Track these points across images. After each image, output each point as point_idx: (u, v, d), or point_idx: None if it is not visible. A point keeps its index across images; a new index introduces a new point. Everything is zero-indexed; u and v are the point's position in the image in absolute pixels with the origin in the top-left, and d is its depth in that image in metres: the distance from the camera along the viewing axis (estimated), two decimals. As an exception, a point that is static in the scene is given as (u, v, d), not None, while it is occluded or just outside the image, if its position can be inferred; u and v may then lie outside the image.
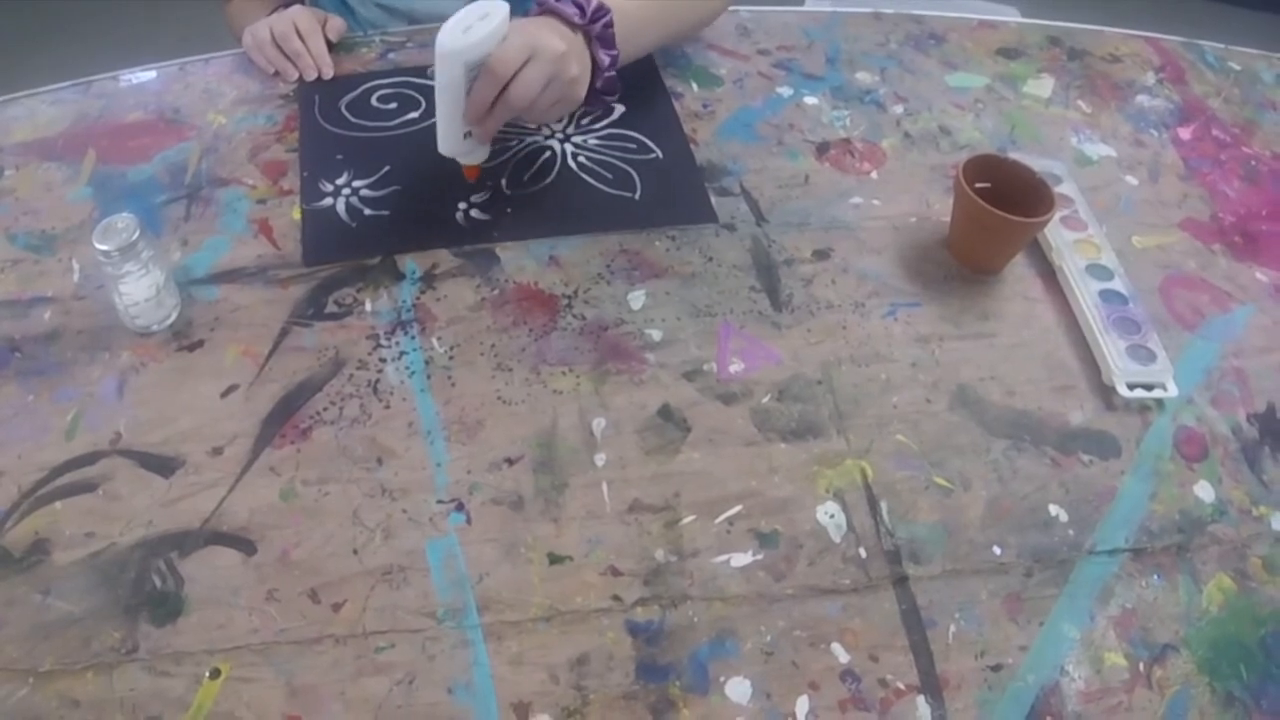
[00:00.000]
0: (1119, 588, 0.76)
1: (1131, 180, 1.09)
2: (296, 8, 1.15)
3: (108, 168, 1.01)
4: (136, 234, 0.80)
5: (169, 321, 0.87)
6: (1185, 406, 0.88)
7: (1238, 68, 1.31)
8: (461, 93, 0.87)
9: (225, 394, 0.82)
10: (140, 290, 0.83)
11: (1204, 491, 0.83)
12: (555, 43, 0.86)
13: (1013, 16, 1.66)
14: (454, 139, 0.91)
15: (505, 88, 0.86)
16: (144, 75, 1.13)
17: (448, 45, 0.84)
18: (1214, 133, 1.18)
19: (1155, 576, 0.77)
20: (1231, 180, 1.12)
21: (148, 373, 0.84)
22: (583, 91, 0.92)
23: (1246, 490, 0.83)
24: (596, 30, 0.92)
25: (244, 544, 0.74)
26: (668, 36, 1.11)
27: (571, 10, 0.90)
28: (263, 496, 0.76)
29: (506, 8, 0.87)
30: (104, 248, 0.80)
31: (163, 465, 0.78)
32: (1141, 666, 0.72)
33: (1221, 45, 1.34)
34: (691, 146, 1.06)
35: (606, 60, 0.94)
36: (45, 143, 1.04)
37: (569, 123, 1.07)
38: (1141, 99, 1.21)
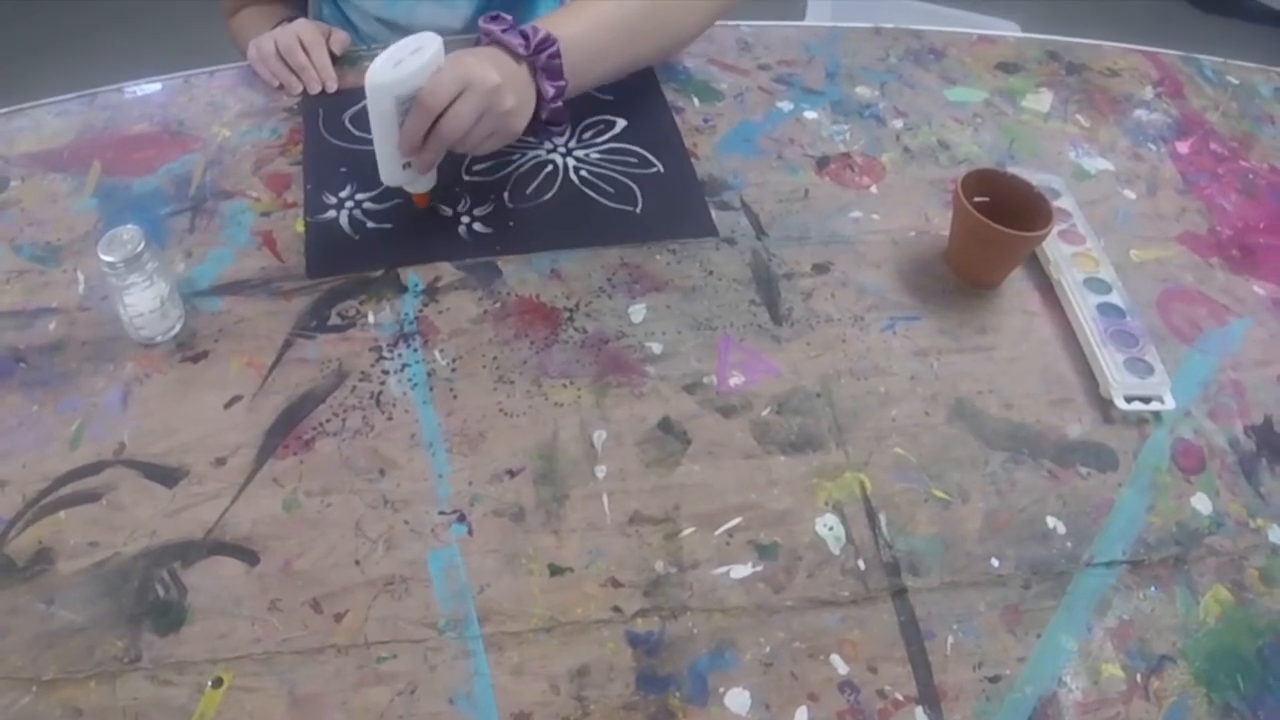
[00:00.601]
0: (1116, 599, 0.76)
1: (1129, 194, 1.10)
2: (301, 21, 1.16)
3: (113, 179, 1.02)
4: (141, 246, 0.81)
5: (173, 333, 0.88)
6: (1182, 419, 0.89)
7: (1235, 81, 1.31)
8: (395, 126, 0.88)
9: (229, 405, 0.83)
10: (145, 302, 0.84)
11: (1201, 504, 0.83)
12: (490, 75, 0.86)
13: (1013, 31, 1.67)
14: (393, 170, 0.92)
15: (437, 120, 0.86)
16: (149, 87, 1.14)
17: (376, 80, 0.84)
18: (1212, 146, 1.19)
19: (1152, 588, 0.77)
20: (1229, 194, 1.13)
21: (152, 384, 0.84)
22: (520, 123, 0.91)
23: (1244, 502, 0.84)
24: (541, 61, 0.92)
25: (247, 554, 0.74)
26: (634, 61, 1.06)
27: (516, 41, 0.90)
28: (265, 507, 0.77)
29: (439, 41, 0.87)
30: (109, 259, 0.80)
31: (166, 475, 0.78)
32: (1139, 678, 0.72)
33: (1220, 59, 1.35)
34: (692, 161, 1.07)
35: (551, 91, 0.93)
36: (51, 154, 1.04)
37: (571, 136, 1.07)
38: (1140, 113, 1.22)
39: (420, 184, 0.96)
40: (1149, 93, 1.26)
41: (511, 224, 0.98)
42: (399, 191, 0.98)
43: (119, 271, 0.81)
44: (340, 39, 1.15)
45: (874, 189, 1.07)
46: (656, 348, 0.89)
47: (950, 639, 0.73)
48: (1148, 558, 0.79)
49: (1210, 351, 0.95)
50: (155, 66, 1.21)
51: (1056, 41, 1.32)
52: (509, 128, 0.90)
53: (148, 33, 2.75)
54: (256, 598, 0.72)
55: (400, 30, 1.26)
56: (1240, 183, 1.15)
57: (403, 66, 0.85)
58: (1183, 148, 1.18)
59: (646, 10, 1.02)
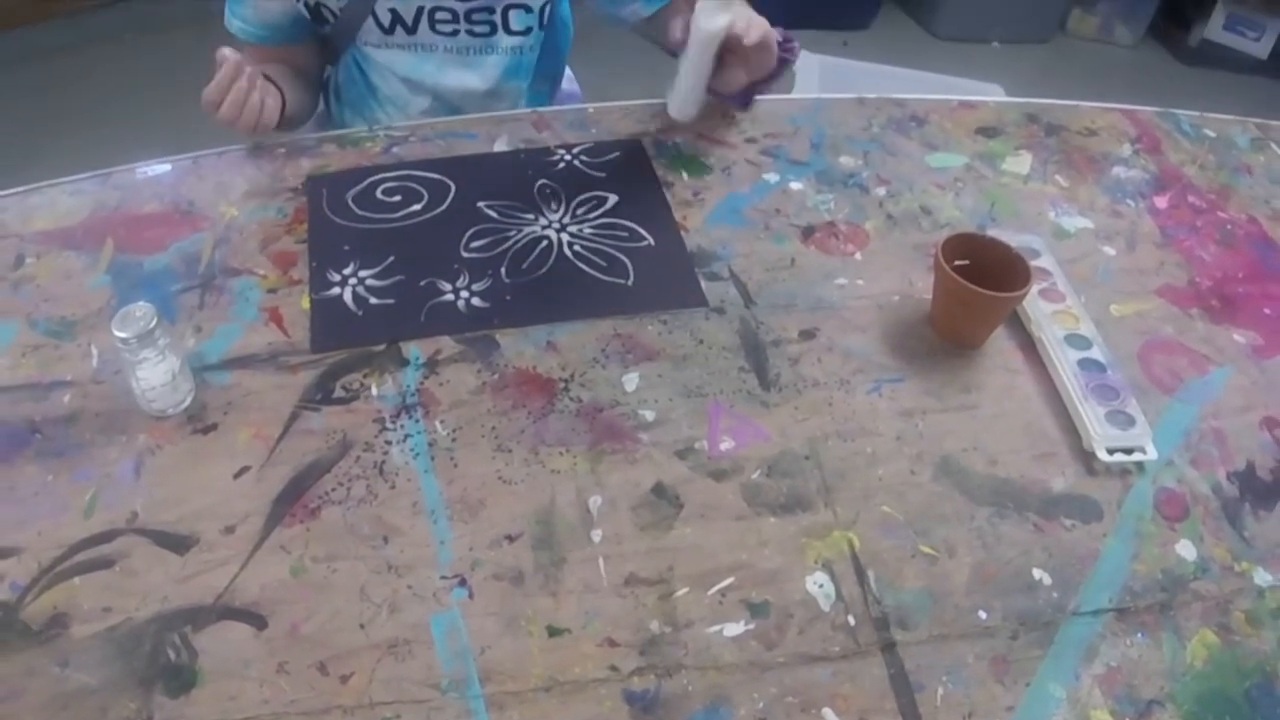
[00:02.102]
0: (1104, 647, 0.78)
1: (1109, 250, 1.13)
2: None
3: (125, 257, 1.04)
4: (154, 322, 0.83)
5: (184, 405, 0.90)
6: (1165, 468, 0.91)
7: (1213, 134, 1.34)
8: (709, 65, 1.09)
9: (238, 475, 0.85)
10: (156, 376, 0.86)
11: (1186, 550, 0.85)
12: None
13: (997, 95, 1.72)
14: (689, 103, 1.14)
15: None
16: (159, 168, 1.16)
17: (714, 26, 1.05)
18: (1190, 199, 1.22)
19: (1139, 635, 0.79)
20: (1208, 245, 1.15)
21: (163, 454, 0.86)
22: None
23: (1228, 547, 0.86)
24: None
25: (255, 618, 0.76)
26: None
27: None
28: (273, 573, 0.79)
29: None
30: (122, 335, 0.83)
31: (178, 543, 0.80)
32: (1128, 723, 0.74)
33: (1197, 113, 1.38)
34: (682, 233, 1.09)
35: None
36: (65, 232, 1.07)
37: (565, 213, 1.10)
38: (1118, 170, 1.25)
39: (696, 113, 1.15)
40: (1127, 150, 1.29)
41: (508, 298, 1.01)
42: (401, 268, 1.01)
43: (131, 347, 0.83)
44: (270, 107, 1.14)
45: (858, 255, 1.09)
46: (649, 415, 0.91)
47: (940, 690, 0.75)
48: (1134, 605, 0.81)
49: (1191, 401, 0.97)
50: (165, 142, 1.24)
51: (1035, 104, 1.36)
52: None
53: (158, 109, 2.79)
54: (265, 660, 0.74)
55: (425, 90, 1.30)
56: (1219, 234, 1.17)
57: (718, 20, 1.04)
58: (1161, 202, 1.21)
59: None
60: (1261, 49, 3.43)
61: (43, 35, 3.00)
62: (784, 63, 1.18)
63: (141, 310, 0.84)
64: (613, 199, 1.13)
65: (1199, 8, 3.50)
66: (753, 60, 1.11)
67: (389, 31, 1.24)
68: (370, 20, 1.23)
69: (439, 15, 1.22)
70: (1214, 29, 3.49)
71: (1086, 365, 0.96)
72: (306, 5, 1.21)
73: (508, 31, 1.26)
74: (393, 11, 1.21)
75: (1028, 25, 3.52)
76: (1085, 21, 3.60)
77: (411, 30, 1.24)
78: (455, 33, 1.25)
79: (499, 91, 1.32)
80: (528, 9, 1.25)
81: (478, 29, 1.25)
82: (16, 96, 2.85)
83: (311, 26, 1.25)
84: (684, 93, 1.12)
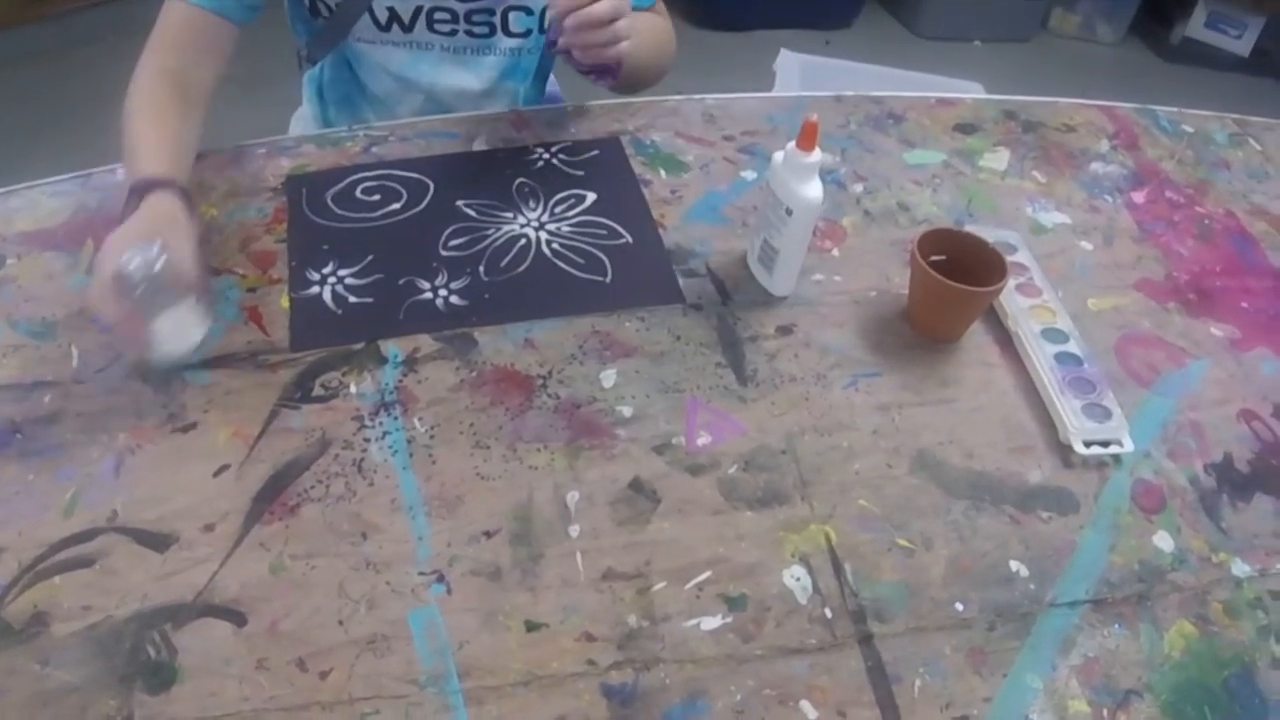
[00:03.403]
0: (1081, 638, 0.79)
1: (1086, 245, 1.14)
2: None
3: None
4: (162, 261, 0.84)
5: (195, 346, 0.91)
6: (1142, 460, 0.92)
7: (1191, 130, 1.36)
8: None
9: (217, 473, 0.85)
10: (166, 319, 0.87)
11: (1163, 541, 0.86)
12: None
13: (977, 92, 1.73)
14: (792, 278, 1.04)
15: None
16: None
17: (811, 201, 0.96)
18: (1167, 194, 1.23)
19: (1116, 625, 0.80)
20: (1185, 239, 1.16)
21: (143, 454, 0.86)
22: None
23: (1206, 538, 0.87)
24: None
25: (235, 616, 0.76)
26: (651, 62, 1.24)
27: None
28: (253, 570, 0.79)
29: None
30: (131, 269, 0.83)
31: (157, 541, 0.80)
32: (1105, 713, 0.75)
33: (1175, 109, 1.39)
34: (660, 231, 1.10)
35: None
36: (46, 233, 1.06)
37: (543, 211, 1.11)
38: (1096, 166, 1.26)
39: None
40: (1104, 146, 1.30)
41: (487, 296, 1.01)
42: (380, 267, 1.02)
43: (141, 288, 0.83)
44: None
45: (835, 252, 1.10)
46: (627, 411, 0.92)
47: (917, 682, 0.75)
48: (1111, 596, 0.82)
49: (1168, 394, 0.98)
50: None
51: (1013, 101, 1.37)
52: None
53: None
54: (244, 658, 0.74)
55: (418, 89, 1.29)
56: (1196, 228, 1.18)
57: (817, 187, 0.96)
58: (1139, 197, 1.22)
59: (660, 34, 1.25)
60: (1243, 46, 3.45)
61: (26, 38, 2.99)
62: (605, 71, 1.12)
63: (150, 252, 0.84)
64: (591, 197, 1.13)
65: (1181, 5, 3.52)
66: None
67: (384, 29, 1.23)
68: (366, 17, 1.22)
69: (438, 15, 1.22)
70: (1195, 27, 3.50)
71: (1063, 359, 0.97)
72: None
73: (507, 33, 1.26)
74: (390, 9, 1.21)
75: (1009, 24, 3.53)
76: (1067, 20, 3.63)
77: (408, 29, 1.23)
78: (454, 33, 1.24)
79: (495, 92, 1.32)
80: (528, 11, 1.24)
81: (477, 30, 1.25)
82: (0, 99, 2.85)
83: (261, 14, 1.17)
84: (791, 270, 1.02)
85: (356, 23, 1.22)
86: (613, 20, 1.01)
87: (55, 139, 2.67)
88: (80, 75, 2.96)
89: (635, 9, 1.14)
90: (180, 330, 0.89)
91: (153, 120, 1.05)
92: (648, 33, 1.21)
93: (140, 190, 0.94)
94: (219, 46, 1.14)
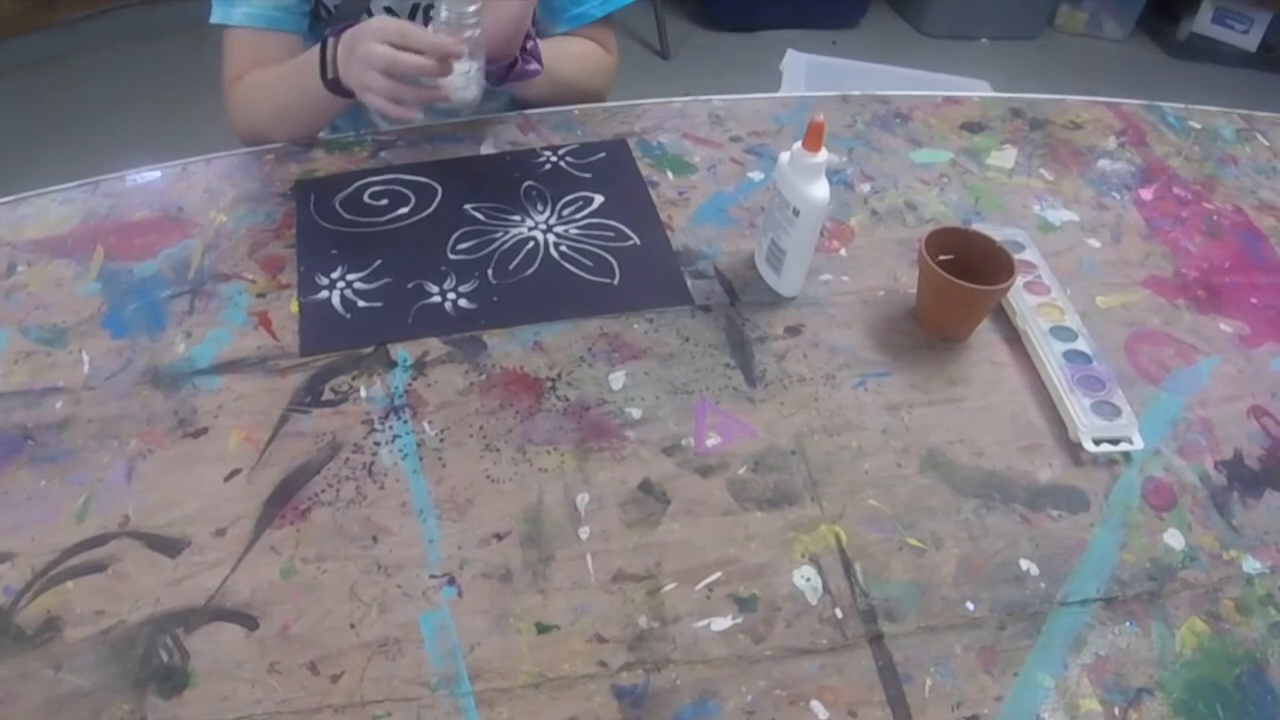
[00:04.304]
0: (1092, 636, 0.79)
1: (1094, 243, 1.13)
2: (373, 22, 1.03)
3: (115, 264, 1.04)
4: (476, 4, 0.97)
5: (476, 101, 1.05)
6: (1152, 458, 0.91)
7: (1198, 126, 1.35)
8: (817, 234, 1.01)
9: (228, 478, 0.85)
10: (460, 67, 1.00)
11: (1174, 539, 0.86)
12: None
13: (984, 90, 1.72)
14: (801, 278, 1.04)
15: None
16: (149, 175, 1.16)
17: (820, 201, 0.96)
18: (1175, 191, 1.23)
19: (1128, 623, 0.80)
20: (1193, 236, 1.16)
21: (154, 459, 0.87)
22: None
23: (1217, 535, 0.86)
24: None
25: (247, 619, 0.76)
26: (571, 84, 1.28)
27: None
28: (264, 574, 0.79)
29: None
30: (466, 9, 0.97)
31: (169, 546, 0.81)
32: (1117, 711, 0.75)
33: (1182, 105, 1.39)
34: (668, 233, 1.10)
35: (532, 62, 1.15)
36: (56, 240, 1.07)
37: (551, 214, 1.11)
38: (1103, 163, 1.26)
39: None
40: (1112, 143, 1.30)
41: (495, 299, 1.01)
42: (389, 271, 1.02)
43: (464, 23, 0.98)
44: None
45: (843, 252, 1.10)
46: (636, 413, 0.92)
47: (928, 681, 0.75)
48: (1122, 594, 0.82)
49: (1178, 391, 0.98)
50: (157, 149, 1.23)
51: (1020, 99, 1.36)
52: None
53: (149, 116, 2.80)
54: (256, 661, 0.74)
55: (438, 114, 1.29)
56: (1204, 224, 1.18)
57: (823, 188, 0.96)
58: (1146, 194, 1.22)
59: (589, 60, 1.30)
60: (1250, 41, 3.45)
61: (34, 44, 3.00)
62: (524, 71, 1.15)
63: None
64: (599, 199, 1.13)
65: (1187, 1, 3.51)
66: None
67: None
68: (365, 17, 1.21)
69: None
70: (1202, 22, 3.50)
71: (1072, 357, 0.97)
72: None
73: None
74: (387, 9, 1.21)
75: (1016, 22, 3.53)
76: (1074, 17, 3.62)
77: None
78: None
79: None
80: None
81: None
82: (8, 105, 2.86)
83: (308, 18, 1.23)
84: (799, 270, 1.02)
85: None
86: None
87: (64, 144, 2.68)
88: (89, 81, 2.98)
89: (570, 29, 1.30)
90: (472, 81, 1.01)
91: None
92: (578, 56, 1.29)
93: (337, 31, 1.08)
94: (287, 56, 1.19)
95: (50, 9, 3.00)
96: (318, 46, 1.09)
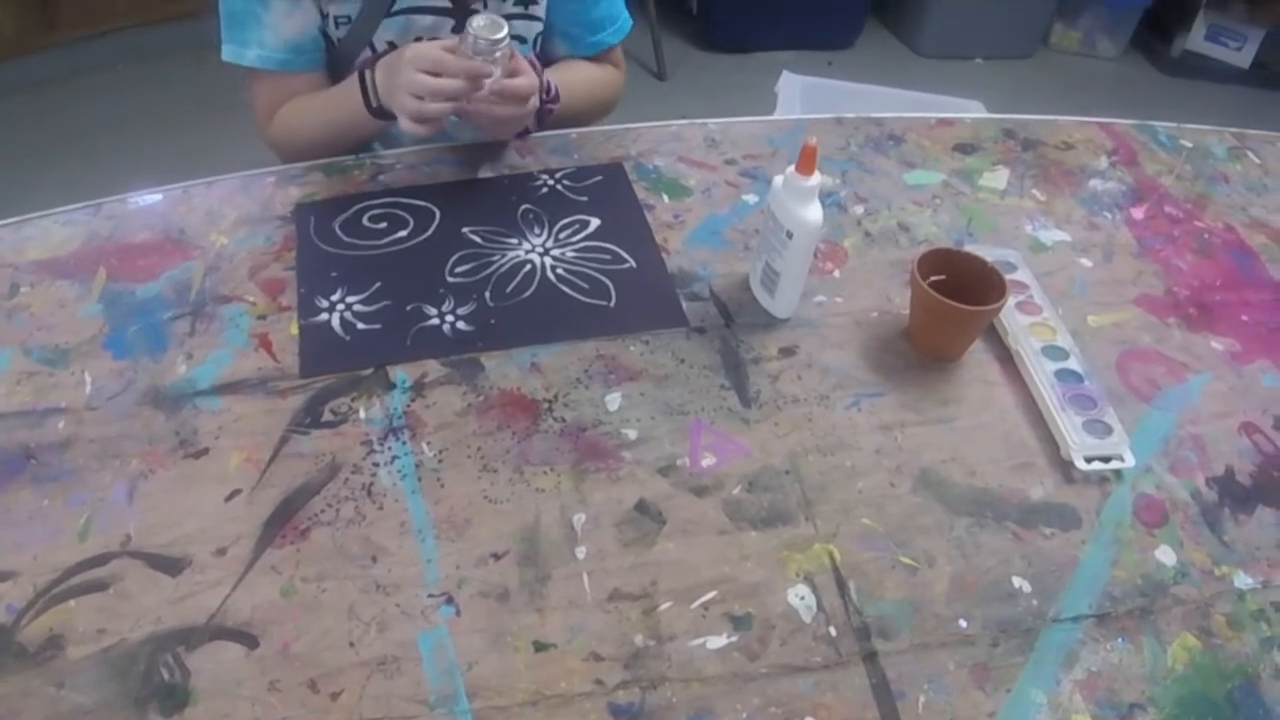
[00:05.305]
0: (1084, 652, 0.79)
1: (1086, 262, 1.14)
2: (415, 48, 1.10)
3: (117, 285, 1.05)
4: (504, 31, 1.04)
5: None
6: (1144, 475, 0.92)
7: (1189, 144, 1.37)
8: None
9: (229, 498, 0.86)
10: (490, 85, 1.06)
11: (1165, 555, 0.86)
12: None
13: (978, 111, 1.74)
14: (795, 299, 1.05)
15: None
16: (151, 198, 1.17)
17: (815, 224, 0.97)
18: (1166, 209, 1.24)
19: (1120, 639, 0.80)
20: (1185, 254, 1.17)
21: (156, 479, 0.87)
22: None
23: (1208, 551, 0.87)
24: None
25: (247, 638, 0.77)
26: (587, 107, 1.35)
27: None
28: (264, 593, 0.80)
29: None
30: (495, 37, 1.04)
31: (170, 565, 0.81)
32: (1109, 727, 0.75)
33: (1173, 124, 1.40)
34: (663, 255, 1.11)
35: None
36: (58, 261, 1.08)
37: (548, 237, 1.12)
38: (1095, 183, 1.27)
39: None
40: (1103, 163, 1.31)
41: (493, 321, 1.02)
42: (388, 293, 1.03)
43: (493, 47, 1.04)
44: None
45: (837, 273, 1.11)
46: (632, 434, 0.93)
47: (921, 698, 0.76)
48: (1113, 610, 0.82)
49: (1169, 408, 0.99)
50: (159, 171, 1.25)
51: (1012, 119, 1.38)
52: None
53: (151, 138, 2.81)
54: (256, 679, 0.75)
55: (439, 138, 1.31)
56: (1196, 243, 1.19)
57: (817, 211, 0.97)
58: (1138, 213, 1.23)
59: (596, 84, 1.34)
60: (1243, 58, 3.47)
61: (38, 65, 3.01)
62: (543, 113, 1.21)
63: (494, 19, 1.04)
64: (595, 222, 1.14)
65: (1181, 19, 3.53)
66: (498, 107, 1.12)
67: None
68: (368, 50, 1.23)
69: None
70: (1196, 40, 3.52)
71: (1064, 376, 0.97)
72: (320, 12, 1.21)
73: None
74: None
75: (1010, 41, 3.55)
76: (1068, 36, 3.64)
77: None
78: None
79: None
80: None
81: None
82: (10, 127, 2.87)
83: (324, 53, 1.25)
84: (793, 292, 1.03)
85: (360, 55, 1.24)
86: (526, 98, 1.11)
87: (66, 165, 2.69)
88: (92, 102, 2.99)
89: (588, 56, 1.34)
90: None
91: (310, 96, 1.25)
92: (583, 83, 1.32)
93: (368, 63, 1.15)
94: (311, 91, 1.25)
95: (51, 30, 3.01)
96: (355, 77, 1.16)
